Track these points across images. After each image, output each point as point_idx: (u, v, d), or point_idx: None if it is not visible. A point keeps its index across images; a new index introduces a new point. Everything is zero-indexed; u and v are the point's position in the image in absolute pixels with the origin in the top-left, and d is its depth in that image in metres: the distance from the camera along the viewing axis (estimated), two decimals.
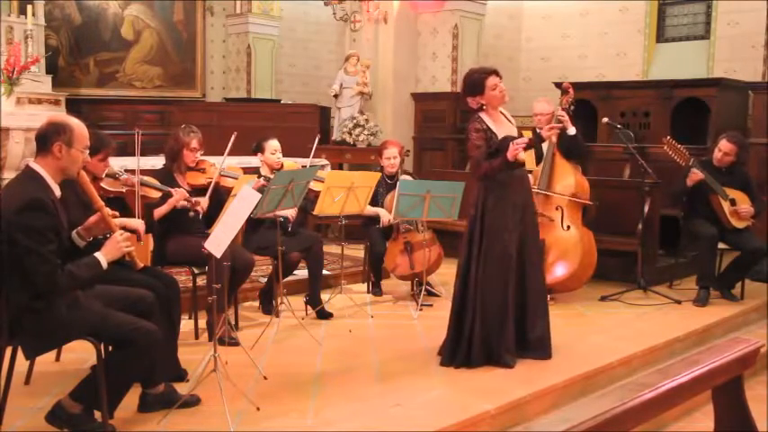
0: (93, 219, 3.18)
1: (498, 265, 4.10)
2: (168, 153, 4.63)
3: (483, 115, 4.16)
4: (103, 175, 3.84)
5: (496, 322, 4.10)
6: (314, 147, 5.43)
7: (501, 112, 4.26)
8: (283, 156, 5.24)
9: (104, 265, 3.07)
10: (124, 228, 3.40)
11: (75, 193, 3.32)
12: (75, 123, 3.11)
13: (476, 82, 4.15)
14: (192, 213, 4.45)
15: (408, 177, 5.82)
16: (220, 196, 4.53)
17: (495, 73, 4.16)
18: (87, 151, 3.16)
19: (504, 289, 4.11)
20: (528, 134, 4.23)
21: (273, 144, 5.19)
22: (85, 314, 3.08)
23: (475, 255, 4.12)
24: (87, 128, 3.17)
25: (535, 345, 4.21)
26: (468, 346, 4.09)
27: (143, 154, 4.07)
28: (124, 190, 3.96)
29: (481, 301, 4.09)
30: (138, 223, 3.54)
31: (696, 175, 5.59)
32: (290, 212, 4.98)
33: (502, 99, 4.17)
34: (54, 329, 3.03)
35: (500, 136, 4.13)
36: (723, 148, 5.72)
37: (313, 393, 3.69)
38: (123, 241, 3.11)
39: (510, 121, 4.31)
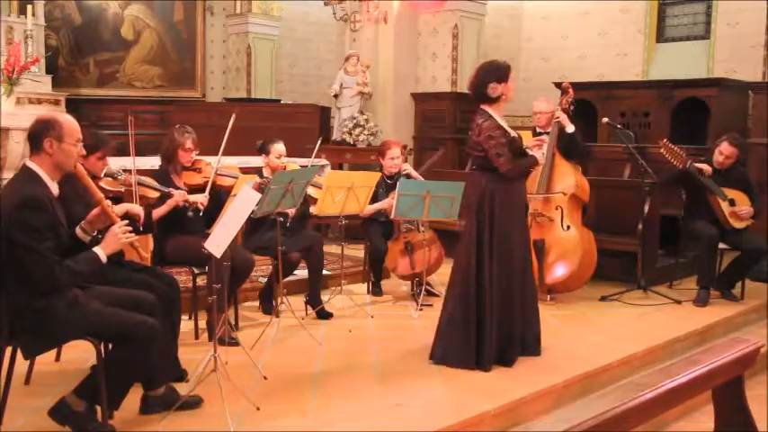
0: (94, 212, 3.19)
1: (507, 266, 4.10)
2: (163, 154, 4.62)
3: (490, 111, 4.10)
4: (102, 175, 3.84)
5: (507, 322, 4.10)
6: (315, 147, 5.46)
7: None
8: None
9: (103, 258, 3.08)
10: (126, 213, 3.41)
11: (75, 190, 3.33)
12: (64, 118, 3.12)
13: (503, 69, 4.10)
14: (191, 213, 4.45)
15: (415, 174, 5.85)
16: (220, 196, 4.53)
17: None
18: (80, 144, 3.14)
19: (511, 288, 4.11)
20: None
21: (279, 148, 5.20)
22: (85, 313, 3.07)
23: (487, 255, 4.06)
24: (85, 127, 3.18)
25: (530, 342, 4.22)
26: (481, 348, 4.03)
27: (143, 154, 4.07)
28: (123, 190, 3.95)
29: (498, 303, 4.05)
30: (138, 209, 3.56)
31: (705, 167, 5.61)
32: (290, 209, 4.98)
33: (509, 97, 4.17)
34: (53, 329, 3.03)
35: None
36: (725, 152, 5.70)
37: (313, 393, 3.69)
38: (123, 233, 3.11)
39: None
